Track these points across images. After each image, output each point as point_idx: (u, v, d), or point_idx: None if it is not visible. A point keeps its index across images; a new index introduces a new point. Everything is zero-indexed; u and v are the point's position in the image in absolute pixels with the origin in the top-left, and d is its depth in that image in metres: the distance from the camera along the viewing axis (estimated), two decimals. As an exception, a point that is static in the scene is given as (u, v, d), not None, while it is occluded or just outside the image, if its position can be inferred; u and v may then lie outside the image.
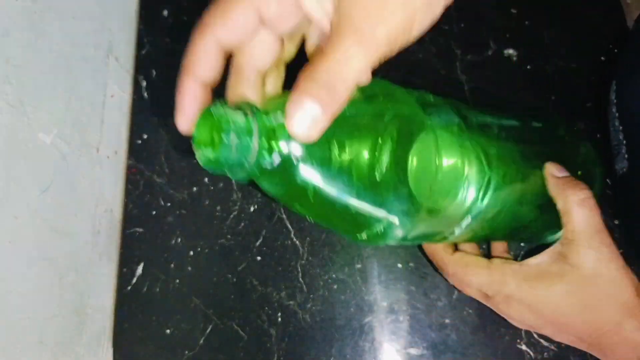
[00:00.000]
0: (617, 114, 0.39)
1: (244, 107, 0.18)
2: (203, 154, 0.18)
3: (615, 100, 0.39)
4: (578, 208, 0.27)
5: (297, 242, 0.38)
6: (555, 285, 0.27)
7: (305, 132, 0.18)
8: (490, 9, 0.44)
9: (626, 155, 0.37)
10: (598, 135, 0.40)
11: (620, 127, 0.38)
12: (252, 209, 0.39)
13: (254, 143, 0.17)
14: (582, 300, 0.27)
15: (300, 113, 0.18)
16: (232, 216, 0.39)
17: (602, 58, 0.42)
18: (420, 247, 0.37)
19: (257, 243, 0.39)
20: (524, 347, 0.36)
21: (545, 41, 0.43)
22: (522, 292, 0.27)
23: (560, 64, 0.42)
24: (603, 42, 0.43)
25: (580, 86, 0.42)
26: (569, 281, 0.27)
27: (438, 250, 0.32)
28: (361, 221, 0.21)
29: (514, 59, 0.42)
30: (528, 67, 0.42)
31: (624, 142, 0.37)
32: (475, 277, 0.29)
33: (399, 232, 0.22)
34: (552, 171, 0.29)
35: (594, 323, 0.27)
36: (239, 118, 0.17)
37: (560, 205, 0.28)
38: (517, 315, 0.29)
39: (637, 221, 0.36)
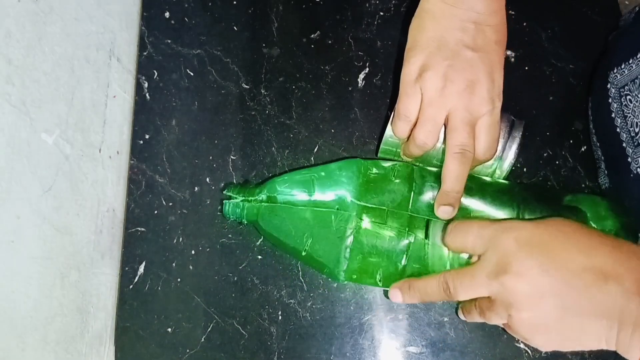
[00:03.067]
0: (594, 131, 0.39)
1: (242, 194, 0.36)
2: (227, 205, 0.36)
3: (591, 117, 0.39)
4: None
5: (298, 241, 0.39)
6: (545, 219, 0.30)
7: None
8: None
9: (606, 172, 0.38)
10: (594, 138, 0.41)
11: (598, 144, 0.38)
12: (252, 208, 0.40)
13: (238, 211, 0.36)
14: (570, 230, 0.28)
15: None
16: (233, 216, 0.40)
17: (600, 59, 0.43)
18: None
19: (258, 242, 0.39)
20: (522, 346, 0.36)
21: (543, 42, 0.43)
22: (519, 224, 0.29)
23: (557, 64, 0.42)
24: (601, 44, 0.43)
25: (577, 87, 0.42)
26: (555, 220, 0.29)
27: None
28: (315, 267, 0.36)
29: (512, 60, 0.42)
30: (526, 68, 0.42)
31: (603, 158, 0.38)
32: (479, 225, 0.30)
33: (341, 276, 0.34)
34: None
35: (592, 257, 0.27)
36: (236, 200, 0.36)
37: None
38: (509, 280, 0.27)
39: None
